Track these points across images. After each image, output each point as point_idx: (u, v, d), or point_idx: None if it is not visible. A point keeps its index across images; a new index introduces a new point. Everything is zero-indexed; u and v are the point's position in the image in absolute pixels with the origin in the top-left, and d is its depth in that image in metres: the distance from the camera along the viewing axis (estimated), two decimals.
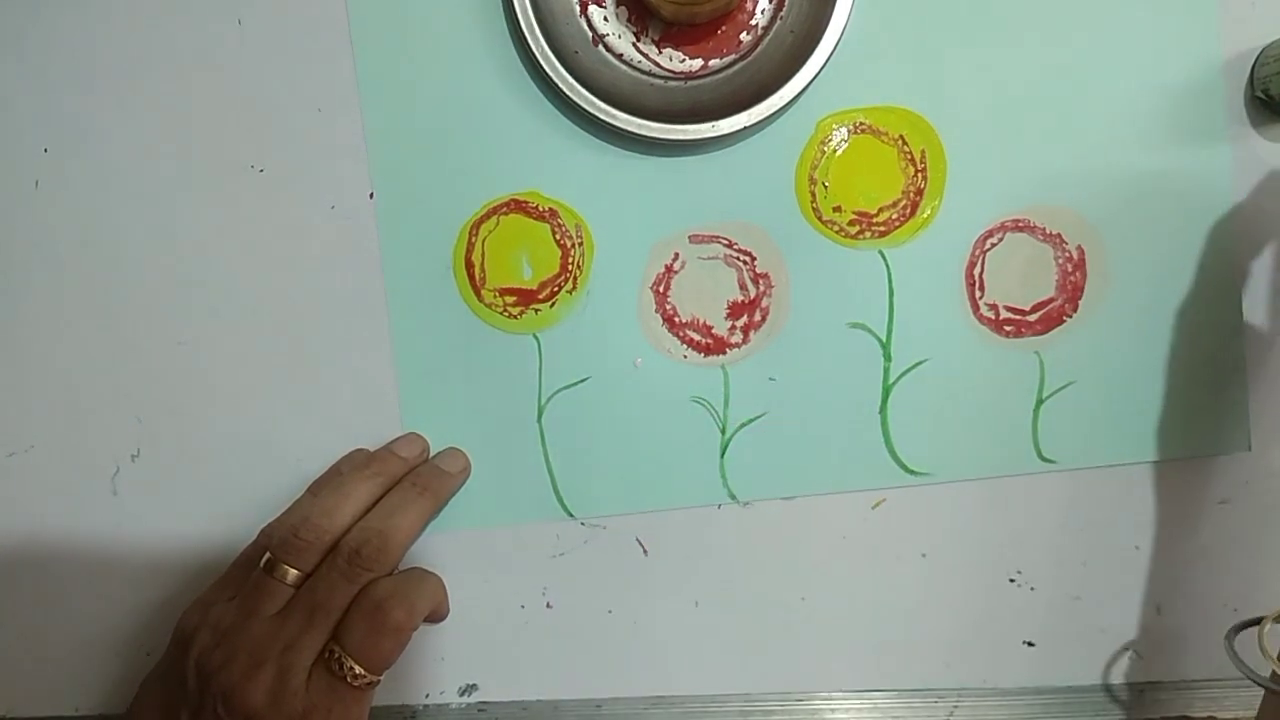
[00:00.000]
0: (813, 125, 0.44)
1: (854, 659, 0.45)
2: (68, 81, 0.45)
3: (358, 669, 0.39)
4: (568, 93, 0.42)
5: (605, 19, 0.44)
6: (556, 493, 0.45)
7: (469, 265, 0.45)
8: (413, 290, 0.45)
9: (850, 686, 0.45)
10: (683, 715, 0.46)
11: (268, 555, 0.40)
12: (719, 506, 0.45)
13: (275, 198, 0.45)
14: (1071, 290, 0.44)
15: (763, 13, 0.44)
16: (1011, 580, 0.45)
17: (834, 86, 0.44)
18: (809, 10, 0.43)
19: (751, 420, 0.45)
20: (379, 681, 0.40)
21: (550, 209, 0.45)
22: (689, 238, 0.45)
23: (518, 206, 0.45)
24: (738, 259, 0.45)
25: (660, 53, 0.44)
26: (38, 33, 0.45)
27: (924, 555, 0.45)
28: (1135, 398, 0.44)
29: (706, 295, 0.45)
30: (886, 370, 0.45)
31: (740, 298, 0.45)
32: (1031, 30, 0.44)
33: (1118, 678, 0.45)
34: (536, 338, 0.45)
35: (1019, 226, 0.44)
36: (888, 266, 0.44)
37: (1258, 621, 0.38)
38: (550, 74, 0.42)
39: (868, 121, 0.44)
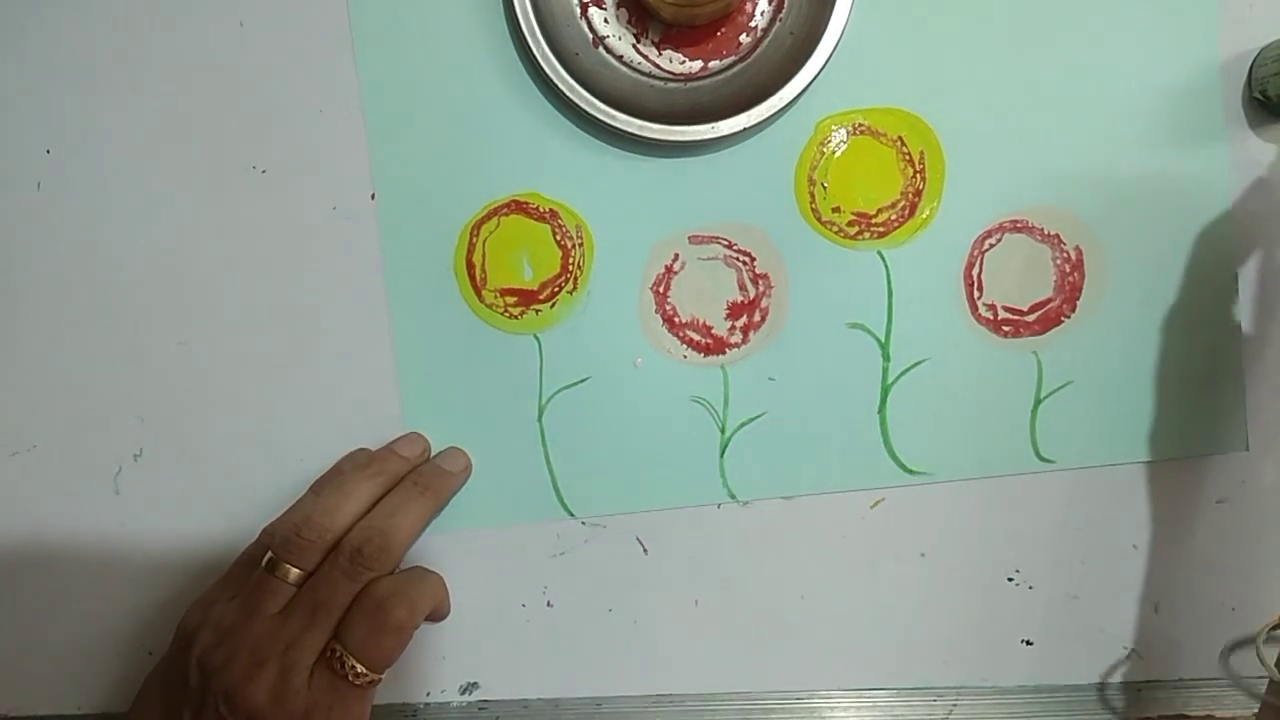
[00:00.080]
0: (812, 126, 0.44)
1: (853, 658, 0.45)
2: (69, 83, 0.46)
3: (359, 668, 0.39)
4: (568, 94, 0.43)
5: (605, 21, 0.44)
6: (557, 492, 0.45)
7: (470, 266, 0.45)
8: (414, 290, 0.45)
9: (850, 685, 0.45)
10: (683, 714, 0.46)
11: (270, 554, 0.41)
12: (719, 506, 0.45)
13: (277, 198, 0.45)
14: (1070, 291, 0.44)
15: (762, 14, 0.44)
16: (1010, 579, 0.45)
17: (833, 88, 0.44)
18: (808, 12, 0.43)
19: (751, 420, 0.45)
20: (380, 680, 0.40)
21: (551, 210, 0.45)
22: (689, 238, 0.45)
23: (518, 207, 0.45)
24: (737, 259, 0.45)
25: (660, 54, 0.44)
26: (38, 33, 0.46)
27: (923, 554, 0.45)
28: (1133, 398, 0.44)
29: (706, 296, 0.45)
30: (885, 370, 0.45)
31: (740, 298, 0.45)
32: (1030, 31, 0.44)
33: (1116, 676, 0.45)
34: (537, 338, 0.45)
35: (1017, 227, 0.44)
36: (886, 267, 0.45)
37: (1250, 640, 0.38)
38: (551, 75, 0.43)
39: (867, 123, 0.44)
